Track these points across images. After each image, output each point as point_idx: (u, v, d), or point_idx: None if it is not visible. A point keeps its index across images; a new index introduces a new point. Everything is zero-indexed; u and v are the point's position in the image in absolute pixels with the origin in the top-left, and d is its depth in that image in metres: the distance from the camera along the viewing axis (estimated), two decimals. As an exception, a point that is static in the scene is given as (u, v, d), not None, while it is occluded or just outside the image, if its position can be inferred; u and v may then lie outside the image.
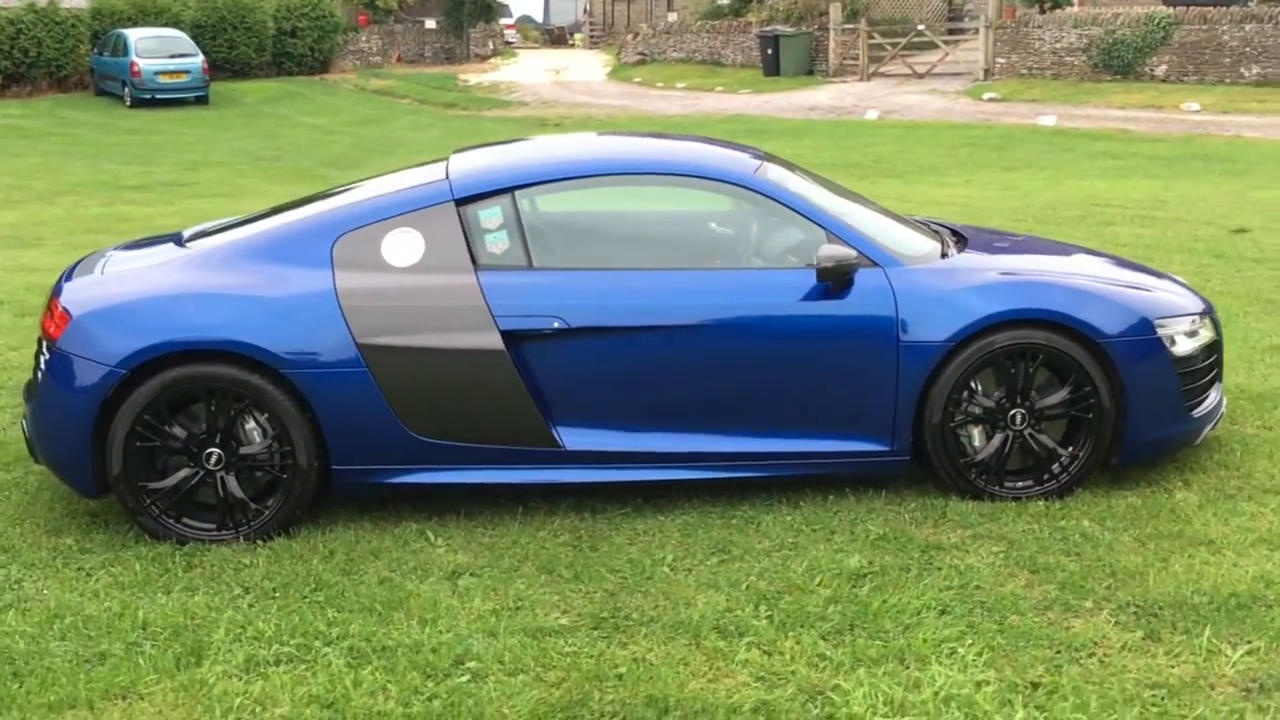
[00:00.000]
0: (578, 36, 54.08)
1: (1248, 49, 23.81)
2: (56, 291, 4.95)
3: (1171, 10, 25.09)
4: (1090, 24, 26.07)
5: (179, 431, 4.68)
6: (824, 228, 4.90)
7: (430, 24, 43.73)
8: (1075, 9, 27.67)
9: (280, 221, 5.08)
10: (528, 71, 38.64)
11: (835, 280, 4.74)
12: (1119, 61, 25.46)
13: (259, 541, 4.68)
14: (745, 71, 33.19)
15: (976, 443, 4.87)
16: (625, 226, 5.31)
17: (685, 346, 4.76)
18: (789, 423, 4.83)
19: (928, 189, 15.07)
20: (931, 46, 30.06)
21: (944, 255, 5.10)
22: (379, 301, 4.71)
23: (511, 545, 4.64)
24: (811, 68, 31.62)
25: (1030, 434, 4.85)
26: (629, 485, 4.92)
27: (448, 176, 5.01)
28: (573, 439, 4.77)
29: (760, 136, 21.20)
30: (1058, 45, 26.57)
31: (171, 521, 4.71)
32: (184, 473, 4.70)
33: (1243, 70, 23.87)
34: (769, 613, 4.03)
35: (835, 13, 31.04)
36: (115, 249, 5.54)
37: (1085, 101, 23.91)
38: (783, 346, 4.79)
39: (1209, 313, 5.20)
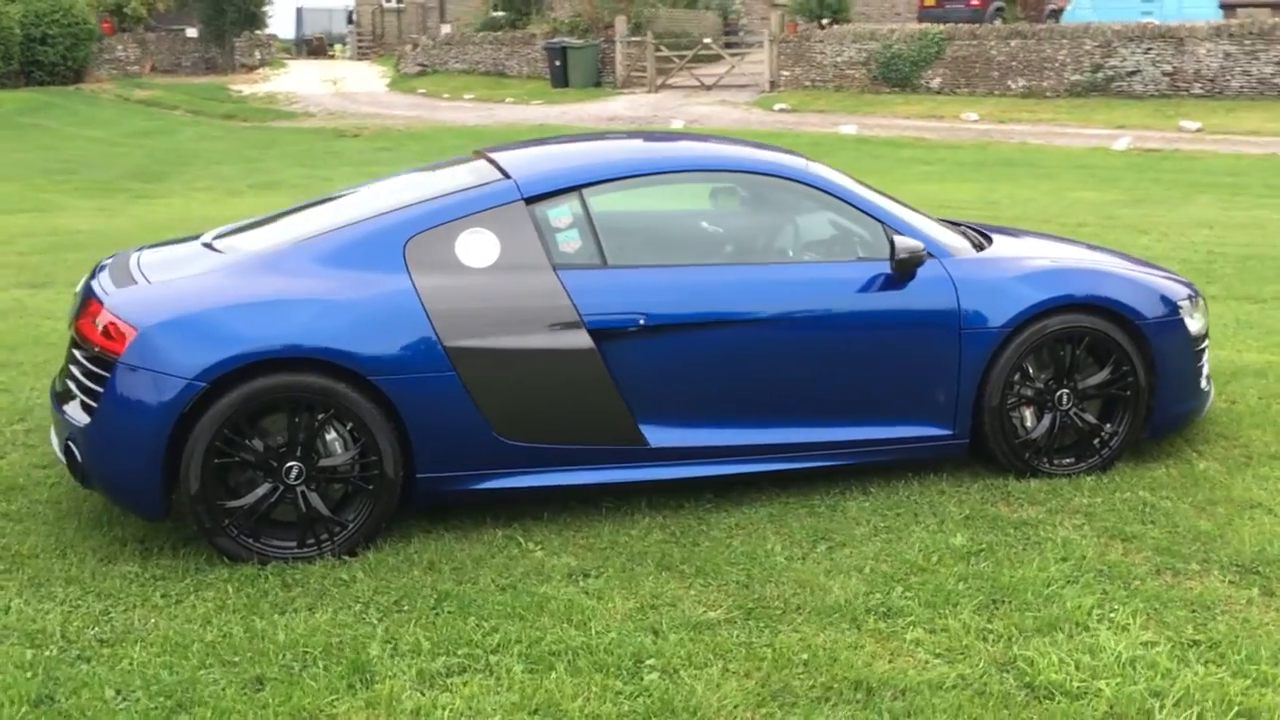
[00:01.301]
0: (337, 47, 52.91)
1: (1014, 63, 25.49)
2: (97, 302, 4.62)
3: (943, 27, 26.61)
4: (869, 39, 27.35)
5: (257, 445, 4.45)
6: (880, 220, 5.07)
7: (192, 32, 42.00)
8: (854, 25, 28.93)
9: (333, 224, 4.89)
10: (302, 82, 37.63)
11: (906, 271, 4.92)
12: (897, 74, 26.81)
13: (339, 557, 4.49)
14: (532, 83, 33.29)
15: (1028, 423, 5.14)
16: (685, 223, 5.36)
17: (762, 340, 4.85)
18: (858, 412, 4.99)
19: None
20: (716, 59, 30.89)
21: (978, 247, 5.35)
22: (463, 303, 4.61)
23: (610, 545, 4.61)
24: (600, 79, 31.98)
25: (1075, 413, 5.15)
26: (700, 481, 4.96)
27: (508, 175, 4.94)
28: (656, 436, 4.79)
29: (576, 146, 21.35)
30: (839, 59, 27.75)
31: (251, 541, 4.48)
32: (263, 489, 4.48)
33: (1009, 83, 25.53)
34: (909, 593, 4.16)
35: (621, 25, 31.53)
36: (140, 252, 5.21)
37: (872, 112, 25.07)
38: (854, 337, 4.94)
39: (1199, 294, 5.63)
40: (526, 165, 5.05)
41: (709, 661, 3.77)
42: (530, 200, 4.83)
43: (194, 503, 4.40)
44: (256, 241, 5.04)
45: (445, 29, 41.28)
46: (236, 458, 4.44)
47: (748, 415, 4.89)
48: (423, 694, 3.60)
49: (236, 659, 3.80)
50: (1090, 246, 6.12)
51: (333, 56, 51.02)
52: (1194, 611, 4.02)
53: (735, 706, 3.52)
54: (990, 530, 4.65)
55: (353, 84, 37.45)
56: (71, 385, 4.71)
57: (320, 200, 5.67)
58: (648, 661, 3.77)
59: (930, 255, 5.03)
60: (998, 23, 28.46)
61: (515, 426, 4.65)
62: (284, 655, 3.80)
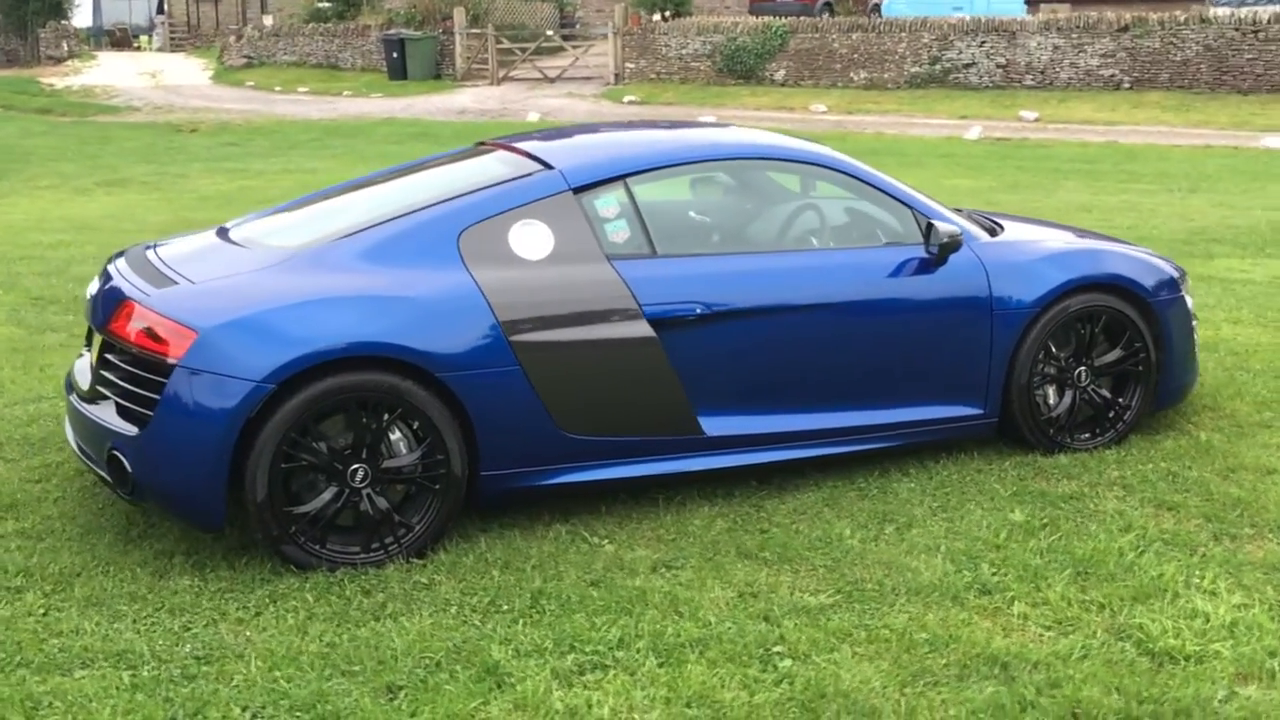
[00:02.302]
0: (143, 38, 50.78)
1: (855, 56, 26.17)
2: (134, 303, 4.36)
3: (786, 20, 27.15)
4: (713, 32, 27.69)
5: (323, 449, 4.28)
6: (909, 206, 5.17)
7: (-7, 22, 39.79)
8: (698, 18, 29.23)
9: (376, 218, 4.73)
10: (117, 75, 36.00)
11: (943, 255, 5.03)
12: (742, 66, 27.22)
13: (408, 560, 4.35)
14: (368, 75, 32.61)
15: (1051, 401, 5.31)
16: (725, 211, 5.35)
17: (811, 326, 4.90)
18: (901, 394, 5.08)
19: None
20: (557, 52, 30.82)
21: (991, 232, 5.50)
22: (525, 296, 4.52)
23: (678, 536, 4.59)
24: (439, 72, 31.54)
25: (1092, 389, 5.35)
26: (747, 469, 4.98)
27: (549, 165, 4.85)
28: (712, 425, 4.79)
29: (436, 140, 21.06)
30: (684, 51, 28.02)
31: (318, 548, 4.30)
32: (329, 493, 4.31)
33: (852, 75, 26.21)
34: (996, 570, 4.26)
35: (460, 17, 31.15)
36: (154, 249, 4.93)
37: (723, 103, 25.40)
38: (897, 321, 5.04)
39: (1185, 273, 5.92)
40: (568, 155, 4.97)
41: (834, 645, 3.79)
42: (577, 190, 4.77)
43: (260, 511, 4.21)
44: (283, 236, 4.85)
45: (267, 20, 40.07)
46: (303, 462, 4.26)
47: (798, 401, 4.93)
48: (567, 692, 3.52)
49: (356, 668, 3.65)
50: (1079, 231, 6.34)
51: (138, 48, 48.91)
52: (1267, 574, 4.22)
53: (883, 688, 3.55)
54: (1043, 505, 4.79)
55: (173, 77, 36.05)
56: (106, 391, 4.44)
57: (328, 194, 5.49)
58: (775, 649, 3.77)
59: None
60: (825, 17, 29.15)
61: (578, 420, 4.58)
62: (405, 662, 3.68)
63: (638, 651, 3.74)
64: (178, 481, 4.22)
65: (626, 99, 26.67)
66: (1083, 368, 5.33)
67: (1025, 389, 5.21)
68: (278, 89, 32.45)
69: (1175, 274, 5.57)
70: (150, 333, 4.25)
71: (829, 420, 4.97)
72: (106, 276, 4.79)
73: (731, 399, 4.81)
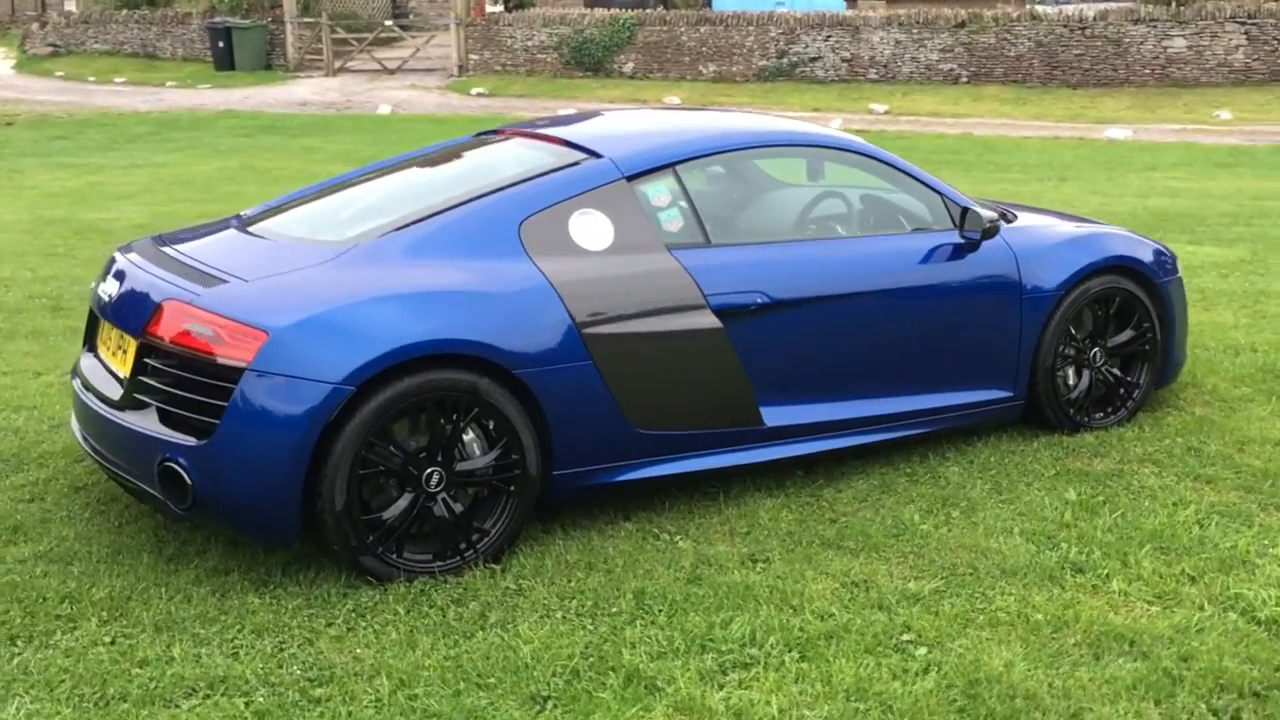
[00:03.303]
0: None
1: (704, 49, 26.38)
2: (181, 303, 4.05)
3: (634, 12, 27.19)
4: (560, 24, 27.52)
5: (398, 452, 4.06)
6: (939, 193, 5.20)
7: None
8: (544, 9, 29.01)
9: (427, 207, 4.51)
10: (-94, 63, 33.74)
11: (982, 241, 5.08)
12: (590, 59, 27.14)
13: (485, 566, 4.17)
14: (191, 65, 31.26)
15: (1070, 382, 5.42)
16: (769, 199, 5.27)
17: (864, 312, 4.89)
18: (943, 379, 5.12)
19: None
20: (393, 43, 30.17)
21: (1006, 218, 5.57)
22: (594, 288, 4.37)
23: (752, 528, 4.52)
24: (269, 62, 30.47)
25: (1106, 369, 5.49)
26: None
27: (597, 154, 4.70)
28: (771, 415, 4.73)
29: (287, 133, 20.40)
30: (530, 43, 27.77)
31: (394, 557, 4.08)
32: (406, 500, 4.09)
33: (701, 68, 26.41)
34: (1081, 548, 4.31)
35: (290, 5, 30.17)
36: (172, 246, 4.60)
37: (575, 96, 25.26)
38: (941, 305, 5.08)
39: None
40: (615, 143, 4.82)
41: (959, 631, 3.78)
42: (630, 178, 4.64)
43: (339, 521, 3.96)
44: (321, 230, 4.61)
45: (70, 5, 38.05)
46: (380, 468, 4.03)
47: (850, 389, 4.91)
48: (722, 693, 3.42)
49: (491, 680, 3.47)
50: (1067, 216, 6.48)
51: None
52: (1326, 542, 4.40)
53: (1032, 669, 3.55)
54: (1090, 484, 4.88)
55: (-30, 66, 33.94)
56: (147, 398, 4.11)
57: (336, 185, 5.23)
58: (904, 637, 3.74)
59: (991, 225, 5.22)
60: (660, 9, 29.28)
61: (646, 414, 4.46)
62: (540, 671, 3.51)
63: (772, 647, 3.65)
64: (249, 493, 3.93)
65: (474, 91, 26.29)
66: (1097, 348, 5.46)
67: (1050, 371, 5.31)
68: (92, 79, 30.80)
69: (1172, 255, 5.76)
70: (210, 335, 3.95)
71: (878, 407, 4.97)
72: (123, 275, 4.45)
73: (790, 388, 4.76)
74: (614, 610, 3.89)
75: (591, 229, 4.50)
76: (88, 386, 4.48)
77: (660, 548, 4.37)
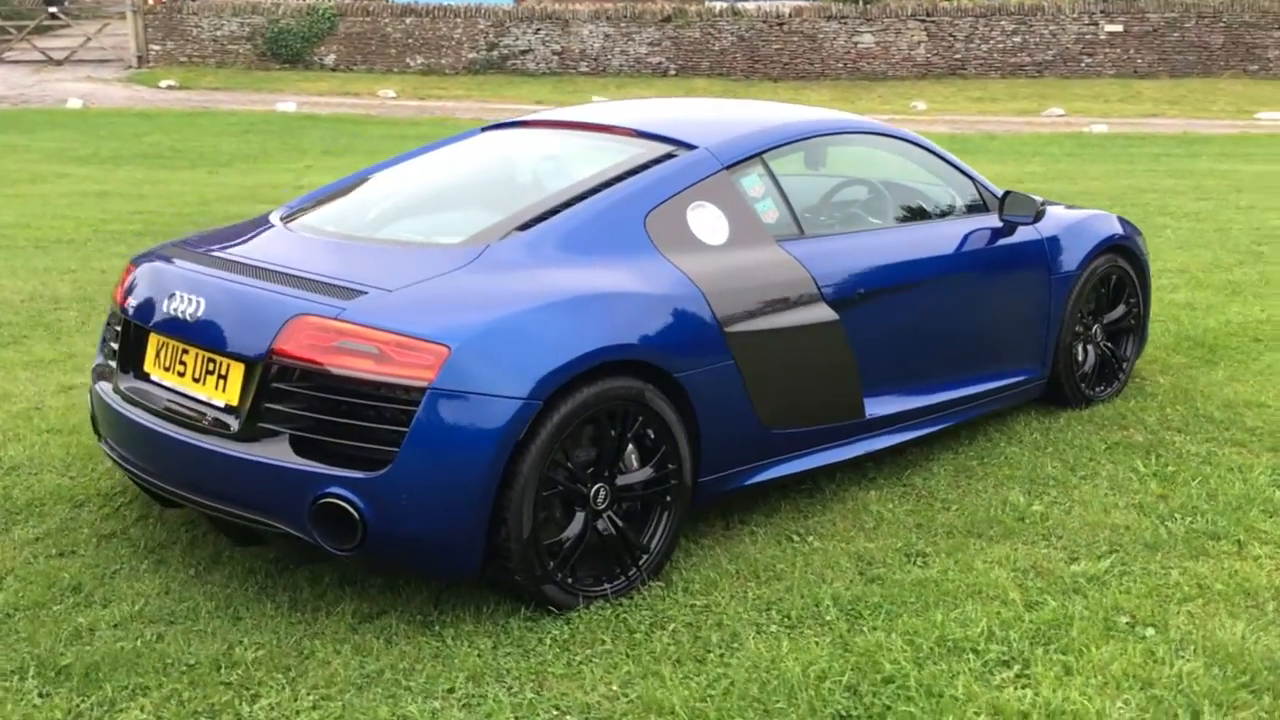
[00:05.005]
0: None
1: (410, 41, 25.78)
2: (323, 318, 3.54)
3: (333, 2, 26.17)
4: (252, 13, 26.16)
5: (575, 470, 3.72)
6: (970, 178, 5.27)
7: None
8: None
9: (536, 205, 4.13)
10: None
11: (1035, 223, 5.19)
12: (288, 50, 25.96)
13: (647, 584, 3.89)
14: None
15: (1080, 357, 5.63)
16: (840, 187, 5.13)
17: (941, 298, 4.89)
18: (997, 361, 5.21)
19: (272, 175, 14.53)
20: (56, 30, 27.74)
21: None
22: (726, 284, 4.14)
23: (878, 522, 4.41)
24: (-89, 52, 27.37)
25: (1103, 344, 5.73)
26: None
27: (692, 145, 4.44)
28: (872, 406, 4.64)
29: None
30: (219, 33, 26.26)
31: (571, 583, 3.72)
32: (580, 520, 3.74)
33: (408, 60, 25.80)
34: (1196, 518, 4.43)
35: (-67, -11, 27.21)
36: (229, 253, 4.02)
37: (278, 89, 24.10)
38: (999, 288, 5.16)
39: None
40: (702, 132, 4.56)
41: (1164, 608, 3.81)
42: (728, 168, 4.43)
43: (526, 548, 3.57)
44: (405, 230, 4.21)
45: None
46: (559, 488, 3.67)
47: (931, 375, 4.90)
48: (1015, 692, 3.31)
49: (780, 704, 3.22)
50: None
51: None
52: (1384, 501, 4.74)
53: (1263, 637, 3.63)
54: (1142, 456, 5.05)
55: None
56: (278, 426, 3.56)
57: (360, 180, 4.75)
58: (1122, 620, 3.74)
59: (1019, 209, 5.33)
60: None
61: (775, 412, 4.27)
62: (818, 691, 3.28)
63: (1016, 642, 3.56)
64: (433, 526, 3.47)
65: (164, 84, 24.58)
66: (1097, 325, 5.69)
67: (1068, 348, 5.49)
68: None
69: (1141, 233, 6.09)
70: (375, 352, 3.46)
71: (950, 393, 4.97)
72: (200, 286, 3.84)
73: (884, 378, 4.68)
74: (827, 619, 3.70)
75: (709, 222, 4.26)
76: (158, 413, 3.84)
77: (802, 550, 4.20)
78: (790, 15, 25.31)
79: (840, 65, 25.22)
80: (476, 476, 3.46)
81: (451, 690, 3.29)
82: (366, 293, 3.64)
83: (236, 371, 3.67)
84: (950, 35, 25.13)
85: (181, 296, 3.85)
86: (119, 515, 4.39)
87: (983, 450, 5.11)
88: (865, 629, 3.64)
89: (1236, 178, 13.82)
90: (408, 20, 25.67)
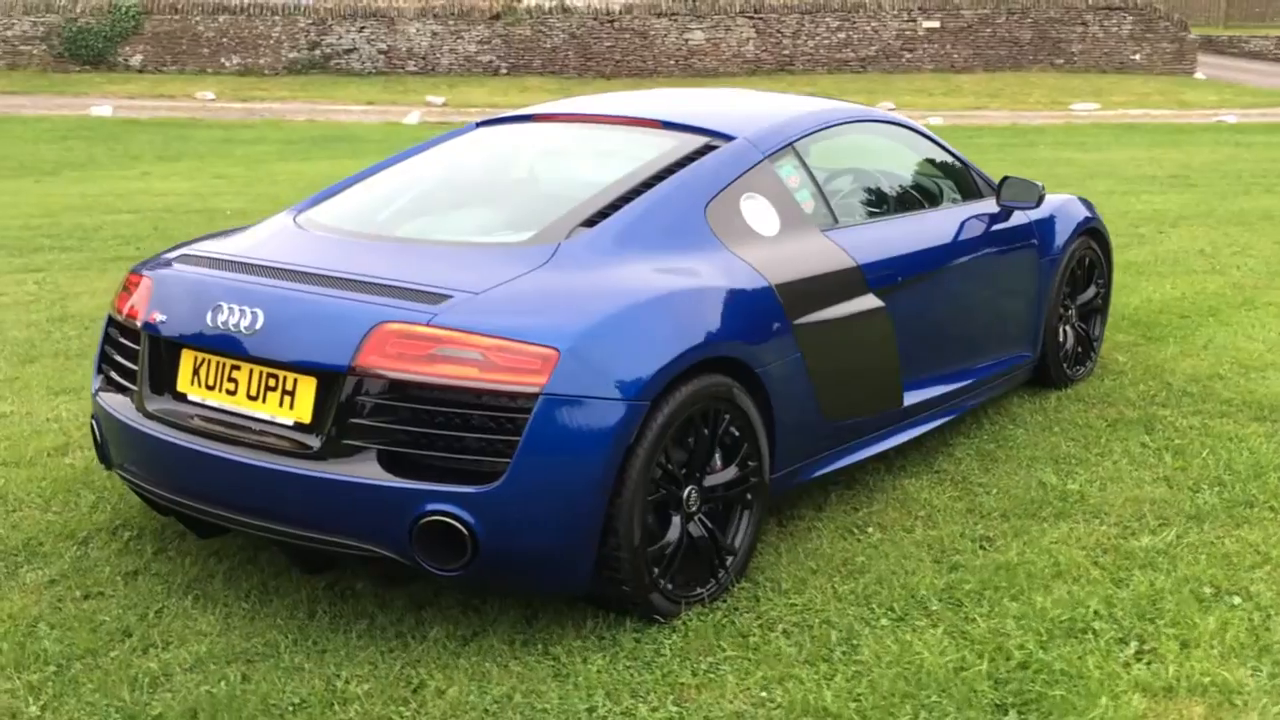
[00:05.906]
0: None
1: (225, 40, 24.74)
2: (413, 325, 3.28)
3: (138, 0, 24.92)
4: (45, 11, 24.66)
5: (675, 472, 3.56)
6: (964, 165, 5.30)
7: None
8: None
9: (589, 199, 3.94)
10: None
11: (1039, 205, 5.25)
12: (88, 51, 24.59)
13: (734, 586, 3.76)
14: None
15: (1061, 338, 5.73)
16: (861, 175, 5.04)
17: (961, 283, 4.89)
18: (1004, 344, 5.25)
19: (110, 183, 13.70)
20: None
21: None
22: (788, 275, 4.03)
23: (930, 511, 4.38)
24: None
25: (1078, 325, 5.85)
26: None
27: (731, 135, 4.30)
28: (909, 395, 4.60)
29: None
30: (9, 33, 24.68)
31: (671, 589, 3.56)
32: (676, 524, 3.58)
33: (223, 60, 24.75)
34: (1223, 489, 4.52)
35: None
36: (268, 259, 3.72)
37: (81, 92, 22.73)
38: (1006, 272, 5.21)
39: None
40: (738, 122, 4.41)
41: (1234, 575, 3.87)
42: (769, 158, 4.32)
43: (635, 556, 3.39)
44: (446, 229, 4.01)
45: None
46: (662, 492, 3.50)
47: (952, 361, 4.88)
48: (1157, 667, 3.30)
49: (935, 698, 3.13)
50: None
51: None
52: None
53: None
54: (1144, 432, 5.16)
55: None
56: (362, 441, 3.29)
57: (381, 169, 4.47)
58: (1207, 591, 3.77)
59: (1004, 191, 5.38)
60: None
61: (833, 404, 4.18)
62: (975, 682, 3.21)
63: (1124, 619, 3.57)
64: (549, 538, 3.26)
65: (-54, 87, 22.92)
66: (1074, 307, 5.80)
67: (1054, 330, 5.58)
68: None
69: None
70: (479, 359, 3.22)
71: (968, 379, 4.97)
72: (249, 297, 3.51)
73: (920, 366, 4.65)
74: (930, 609, 3.64)
75: (760, 213, 4.15)
76: (206, 435, 3.50)
77: (865, 542, 4.12)
78: (621, 12, 25.31)
79: (672, 62, 25.35)
80: (591, 484, 3.27)
81: (593, 710, 3.10)
82: (452, 296, 3.39)
83: (307, 386, 3.37)
84: (778, 32, 25.55)
85: (230, 309, 3.52)
86: (134, 550, 4.00)
87: (995, 433, 5.14)
88: (974, 617, 3.59)
89: (1084, 165, 14.42)
90: (221, 18, 24.61)
